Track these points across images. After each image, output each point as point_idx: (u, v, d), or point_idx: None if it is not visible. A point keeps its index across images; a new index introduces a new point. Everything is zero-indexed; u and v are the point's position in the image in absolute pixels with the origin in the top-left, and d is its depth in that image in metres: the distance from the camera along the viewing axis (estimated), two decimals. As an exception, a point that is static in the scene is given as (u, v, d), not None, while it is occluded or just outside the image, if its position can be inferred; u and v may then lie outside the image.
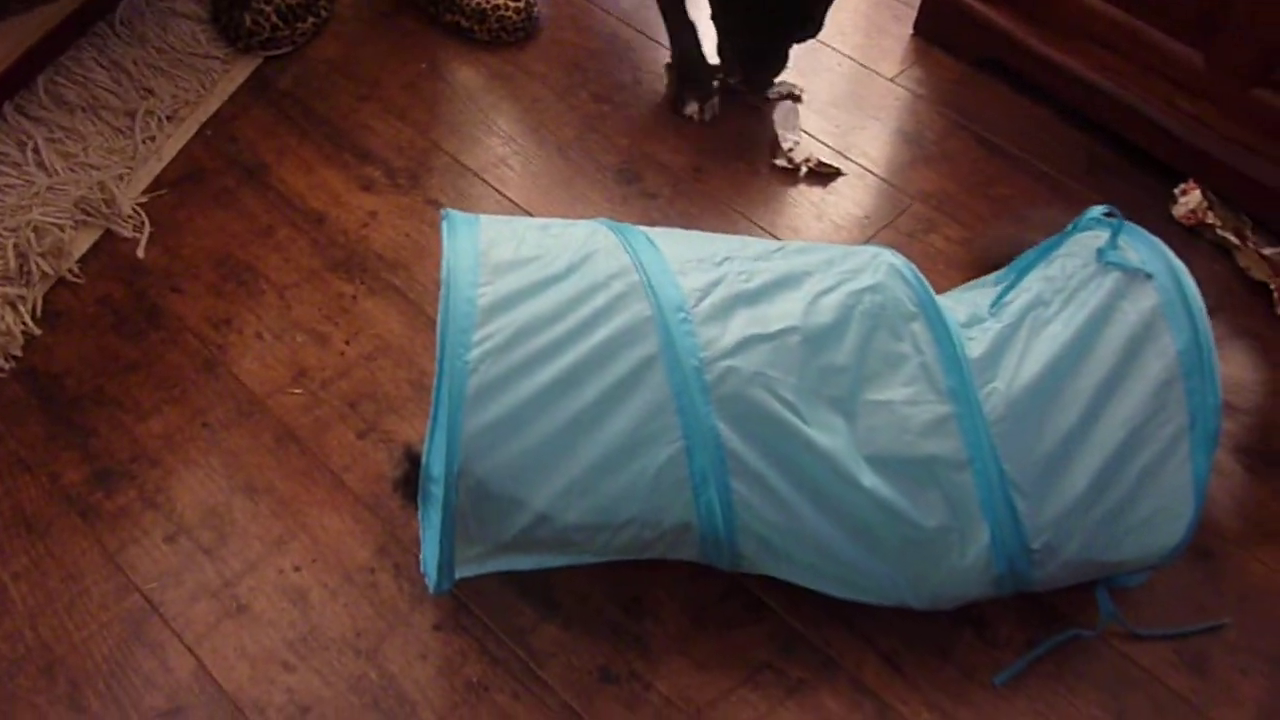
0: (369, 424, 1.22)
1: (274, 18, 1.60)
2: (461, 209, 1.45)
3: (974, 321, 1.05)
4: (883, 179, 1.54)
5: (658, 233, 1.06)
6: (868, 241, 1.46)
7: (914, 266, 1.04)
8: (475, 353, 0.92)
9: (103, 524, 1.13)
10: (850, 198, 1.52)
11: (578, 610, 1.09)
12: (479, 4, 1.65)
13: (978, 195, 1.53)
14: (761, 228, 1.47)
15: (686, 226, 1.45)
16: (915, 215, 1.50)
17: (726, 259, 1.02)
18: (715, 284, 0.99)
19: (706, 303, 0.97)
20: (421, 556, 1.06)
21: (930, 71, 1.70)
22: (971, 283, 1.18)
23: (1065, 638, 1.08)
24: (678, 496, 0.96)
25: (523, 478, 0.94)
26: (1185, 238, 1.48)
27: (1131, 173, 1.55)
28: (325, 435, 1.21)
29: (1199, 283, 1.03)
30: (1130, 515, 1.00)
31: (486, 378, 0.92)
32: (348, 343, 1.30)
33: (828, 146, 1.58)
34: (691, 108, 1.58)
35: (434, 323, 1.32)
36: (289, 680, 1.03)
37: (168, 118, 1.53)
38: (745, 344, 0.96)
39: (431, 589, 0.98)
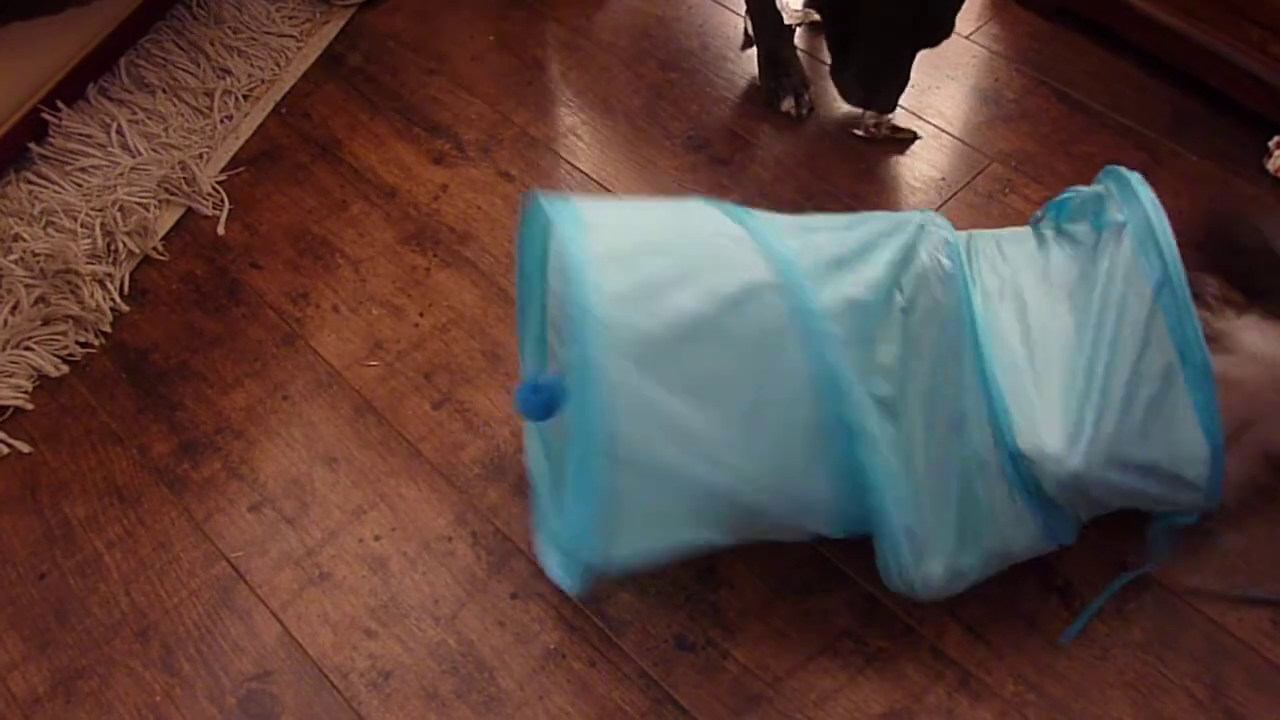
0: (444, 395, 1.24)
1: None
2: (532, 180, 1.46)
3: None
4: (959, 139, 1.50)
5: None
6: (944, 204, 1.43)
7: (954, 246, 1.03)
8: (611, 310, 0.87)
9: (190, 494, 1.16)
10: (926, 159, 1.48)
11: (653, 579, 1.09)
12: None
13: (1058, 153, 1.48)
14: (834, 192, 1.44)
15: (758, 191, 1.44)
16: (993, 176, 1.46)
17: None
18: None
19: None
20: (546, 564, 1.05)
21: (1007, 27, 1.64)
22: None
23: (1129, 578, 1.06)
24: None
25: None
26: (1234, 168, 1.43)
27: (1221, 125, 1.49)
28: (401, 406, 1.23)
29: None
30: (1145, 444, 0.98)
31: (628, 379, 0.87)
32: (421, 315, 1.31)
33: (903, 108, 1.54)
34: (788, 103, 1.53)
35: (506, 294, 1.33)
36: (371, 646, 1.05)
37: (244, 97, 1.55)
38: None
39: (573, 589, 0.99)
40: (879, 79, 1.42)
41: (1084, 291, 1.01)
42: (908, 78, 1.43)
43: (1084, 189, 1.09)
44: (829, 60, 1.55)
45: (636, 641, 1.05)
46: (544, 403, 0.97)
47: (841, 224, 1.05)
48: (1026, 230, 1.12)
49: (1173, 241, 0.97)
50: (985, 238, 1.09)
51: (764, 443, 0.93)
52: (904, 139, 1.50)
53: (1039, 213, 1.15)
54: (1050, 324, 1.01)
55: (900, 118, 1.52)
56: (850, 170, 1.47)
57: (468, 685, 1.02)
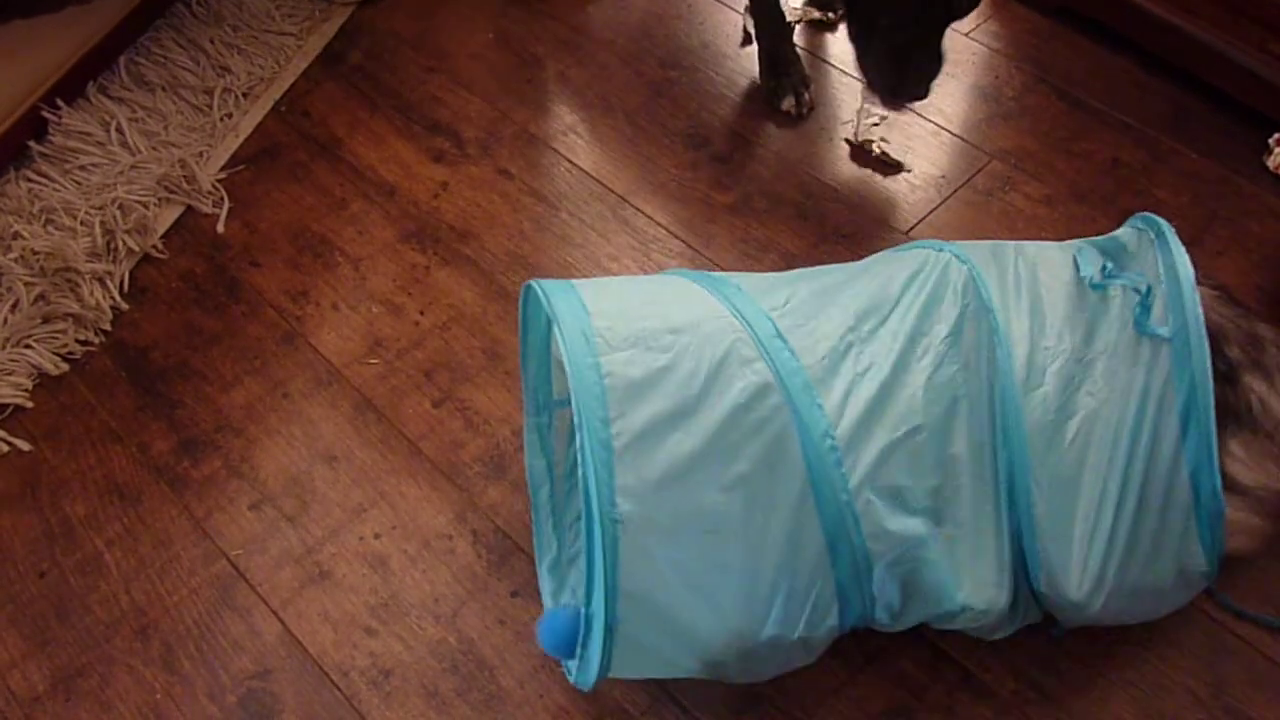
0: (444, 393, 1.24)
1: None
2: (531, 178, 1.46)
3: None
4: (959, 137, 1.50)
5: (773, 299, 0.98)
6: (944, 202, 1.43)
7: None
8: (624, 506, 0.84)
9: (190, 492, 1.16)
10: (926, 157, 1.48)
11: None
12: None
13: (1058, 152, 1.48)
14: (834, 189, 1.44)
15: (758, 190, 1.44)
16: (993, 174, 1.46)
17: (850, 345, 0.95)
18: (849, 393, 0.92)
19: (845, 421, 0.91)
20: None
21: (1007, 24, 1.64)
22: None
23: None
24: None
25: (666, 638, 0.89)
26: (1235, 166, 1.43)
27: (1221, 123, 1.49)
28: (401, 404, 1.23)
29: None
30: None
31: (638, 537, 0.85)
32: (422, 313, 1.31)
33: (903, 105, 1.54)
34: (788, 102, 1.52)
35: (506, 292, 1.33)
36: (371, 645, 1.05)
37: (244, 95, 1.55)
38: (883, 459, 0.91)
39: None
40: (909, 60, 1.31)
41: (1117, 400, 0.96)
42: (939, 57, 1.33)
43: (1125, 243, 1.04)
44: (830, 59, 1.55)
45: (637, 640, 1.05)
46: (566, 638, 0.93)
47: (883, 307, 0.99)
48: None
49: (1209, 368, 0.93)
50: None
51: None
52: (891, 164, 1.47)
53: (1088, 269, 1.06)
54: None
55: (899, 114, 1.52)
56: (850, 169, 1.47)
57: (468, 684, 1.02)
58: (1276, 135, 1.44)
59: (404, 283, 1.34)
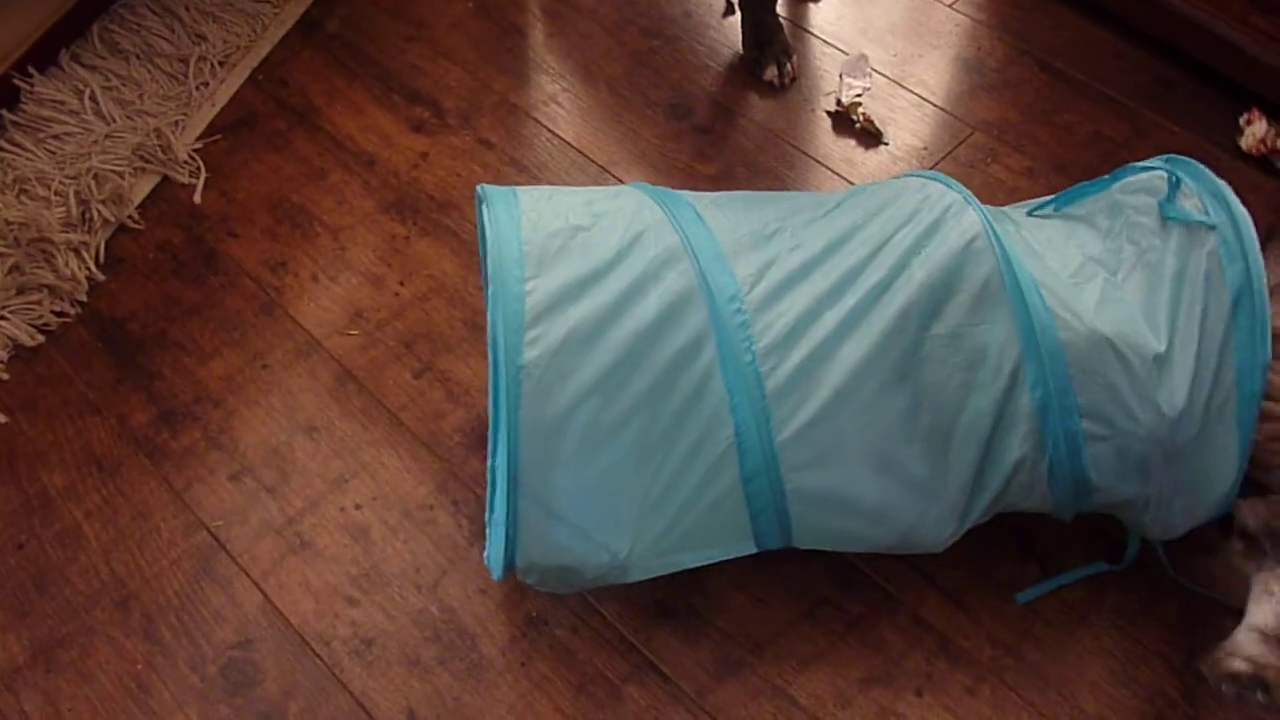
0: (424, 363, 1.23)
1: None
2: (512, 148, 1.45)
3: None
4: (942, 108, 1.50)
5: (704, 202, 1.02)
6: (926, 173, 1.43)
7: (971, 198, 1.01)
8: (529, 355, 0.89)
9: (169, 463, 1.15)
10: (908, 128, 1.48)
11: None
12: None
13: (1041, 123, 1.48)
14: (817, 160, 1.44)
15: (740, 160, 1.43)
16: (975, 145, 1.46)
17: (777, 230, 0.99)
18: (768, 266, 0.95)
19: (761, 287, 0.94)
20: (486, 552, 1.04)
21: (991, -4, 1.64)
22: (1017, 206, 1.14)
23: (1095, 570, 1.07)
24: (734, 516, 0.95)
25: (580, 505, 0.92)
26: (1254, 167, 1.43)
27: (1202, 95, 1.49)
28: (382, 375, 1.22)
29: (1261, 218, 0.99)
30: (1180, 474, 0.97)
31: (541, 386, 0.89)
32: (402, 283, 1.30)
33: (885, 76, 1.53)
34: (771, 72, 1.51)
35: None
36: (353, 614, 1.05)
37: (220, 63, 1.53)
38: (798, 327, 0.93)
39: (495, 577, 0.98)
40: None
41: (1150, 282, 0.98)
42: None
43: (1139, 172, 1.06)
44: (813, 29, 1.54)
45: (618, 609, 1.05)
46: None
47: (822, 209, 1.02)
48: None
49: (1260, 258, 0.94)
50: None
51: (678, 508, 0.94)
52: (873, 133, 1.47)
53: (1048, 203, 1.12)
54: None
55: (882, 86, 1.52)
56: (832, 140, 1.47)
57: (450, 652, 1.03)
58: (1246, 115, 1.44)
59: (384, 253, 1.34)
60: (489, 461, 0.99)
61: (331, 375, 1.22)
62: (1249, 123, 1.44)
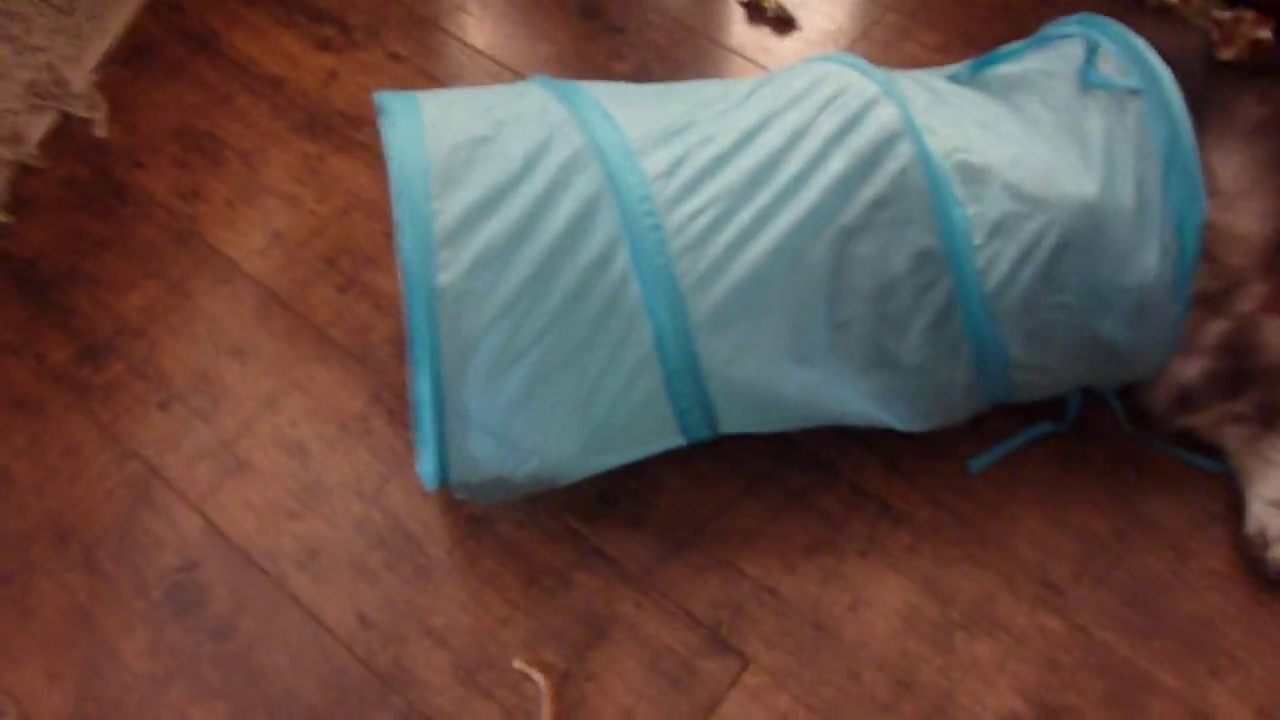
0: (348, 278, 1.21)
1: None
2: (423, 60, 1.42)
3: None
4: (853, -9, 1.49)
5: (610, 96, 0.99)
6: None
7: (887, 79, 0.99)
8: (443, 278, 0.87)
9: (95, 398, 1.13)
10: (821, 10, 1.47)
11: (574, 439, 1.09)
12: None
13: (951, 0, 1.48)
14: (732, 51, 1.43)
15: (655, 55, 1.41)
16: (889, 25, 1.46)
17: (688, 124, 0.96)
18: (679, 162, 0.93)
19: (673, 185, 0.92)
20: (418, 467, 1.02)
21: (896, -125, 1.62)
22: (929, 72, 1.13)
23: (1040, 432, 1.09)
24: (659, 414, 0.95)
25: (504, 418, 0.91)
26: (1125, 2, 1.45)
27: (1110, -40, 1.50)
28: (306, 293, 1.20)
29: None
30: (1107, 347, 0.99)
31: (457, 307, 0.88)
32: (319, 201, 1.28)
33: (794, -38, 1.52)
34: None
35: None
36: (296, 528, 1.05)
37: (110, -7, 1.47)
38: (713, 225, 0.92)
39: (429, 488, 0.97)
40: None
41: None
42: None
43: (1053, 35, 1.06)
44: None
45: (561, 501, 1.06)
46: None
47: (735, 97, 1.00)
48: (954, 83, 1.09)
49: (1186, 116, 0.94)
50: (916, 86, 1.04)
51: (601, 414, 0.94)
52: (785, 20, 1.46)
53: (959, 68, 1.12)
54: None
55: (793, -28, 1.50)
56: (747, 30, 1.45)
57: (397, 557, 1.03)
58: None
59: (298, 173, 1.31)
60: (412, 388, 0.97)
61: (254, 297, 1.20)
62: None
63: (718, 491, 1.07)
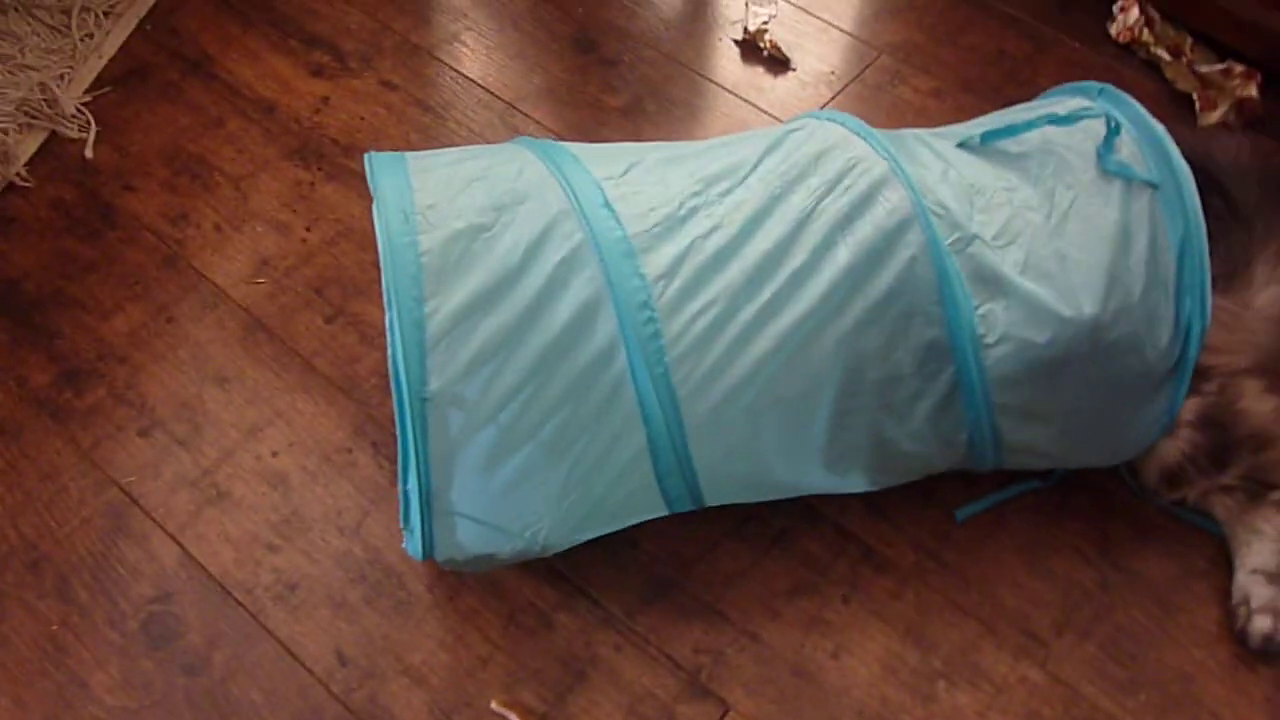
0: (336, 308, 1.21)
1: None
2: (416, 89, 1.42)
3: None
4: (848, 33, 1.50)
5: (610, 171, 0.95)
6: (834, 98, 1.43)
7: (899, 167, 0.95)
8: (434, 385, 0.85)
9: (75, 423, 1.12)
10: (816, 54, 1.48)
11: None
12: None
13: (945, 44, 1.49)
14: (725, 89, 1.43)
15: (648, 92, 1.42)
16: (882, 68, 1.47)
17: (693, 209, 0.92)
18: (681, 259, 0.90)
19: (674, 286, 0.89)
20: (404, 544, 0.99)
21: (892, -81, 1.64)
22: (937, 133, 1.12)
23: (1027, 487, 1.08)
24: (649, 498, 0.95)
25: (494, 510, 0.90)
26: (1117, 54, 1.48)
27: (1101, 11, 1.52)
28: (293, 322, 1.19)
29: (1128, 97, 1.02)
30: (1096, 437, 1.00)
31: (448, 412, 0.86)
32: (309, 229, 1.27)
33: (791, 3, 1.53)
34: None
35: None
36: (275, 561, 1.03)
37: (105, 13, 1.47)
38: (713, 327, 0.89)
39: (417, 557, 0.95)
40: None
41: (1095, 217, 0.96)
42: None
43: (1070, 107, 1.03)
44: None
45: (545, 538, 1.05)
46: None
47: (743, 167, 0.97)
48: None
49: (1201, 215, 0.94)
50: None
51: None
52: (780, 60, 1.47)
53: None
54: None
55: (787, 13, 1.51)
56: (740, 69, 1.46)
57: (376, 591, 1.02)
58: (1120, 2, 1.48)
59: (289, 200, 1.30)
60: (398, 476, 0.93)
61: (240, 325, 1.19)
62: (1123, 10, 1.47)
63: (703, 533, 1.06)
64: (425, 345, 0.85)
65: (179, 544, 1.04)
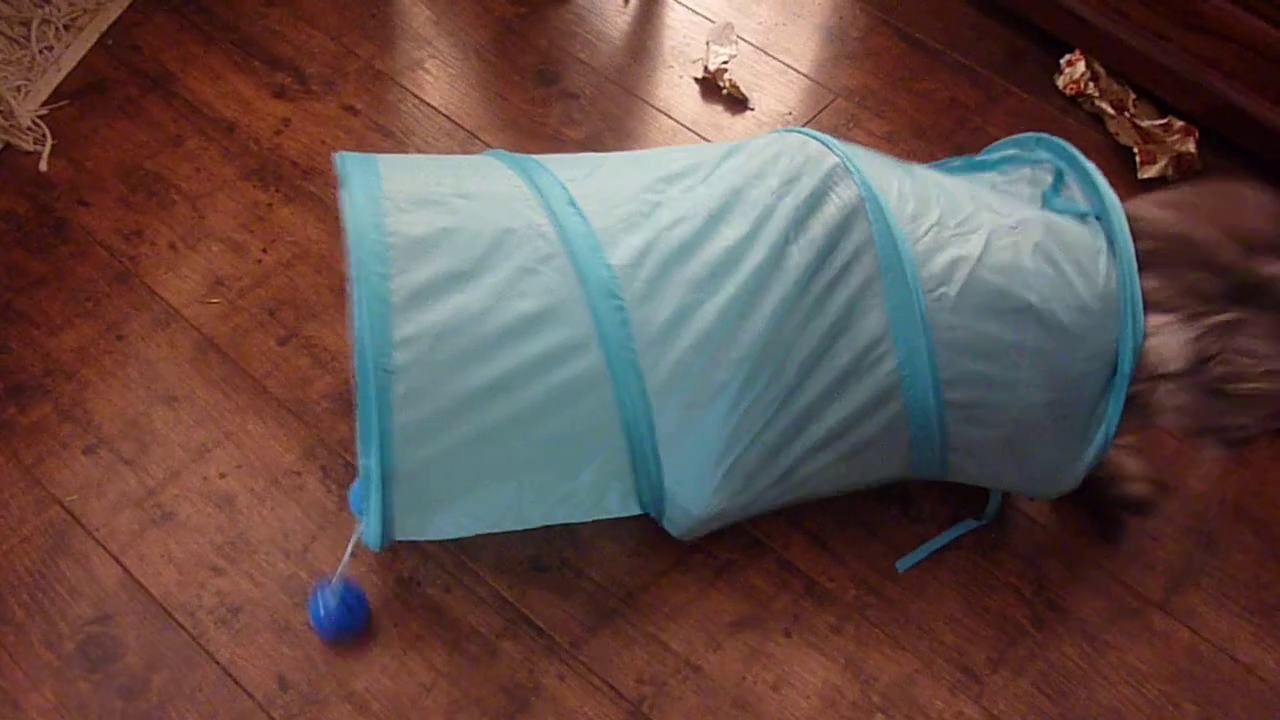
0: (290, 330, 1.21)
1: None
2: (378, 114, 1.43)
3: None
4: (806, 75, 1.54)
5: (579, 173, 0.99)
6: (790, 137, 1.46)
7: (850, 155, 1.00)
8: (398, 357, 0.87)
9: (18, 438, 1.11)
10: (774, 94, 1.51)
11: (508, 504, 1.09)
12: None
13: (900, 90, 1.53)
14: (684, 126, 1.46)
15: (608, 126, 1.44)
16: (838, 110, 1.50)
17: (656, 205, 0.96)
18: (646, 252, 0.93)
19: (640, 281, 0.92)
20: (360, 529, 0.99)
21: (851, -34, 1.68)
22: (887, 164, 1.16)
23: (965, 529, 1.11)
24: (625, 500, 0.98)
25: (455, 496, 0.92)
26: (1064, 105, 1.53)
27: (1050, 65, 1.56)
28: (245, 343, 1.19)
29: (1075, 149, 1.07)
30: (1039, 450, 1.02)
31: (411, 390, 0.87)
32: (265, 250, 1.27)
33: (751, 44, 1.56)
34: None
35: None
36: (219, 584, 1.03)
37: (65, 27, 1.46)
38: (677, 318, 0.93)
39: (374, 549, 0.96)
40: None
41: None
42: None
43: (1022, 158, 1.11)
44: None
45: (491, 565, 1.05)
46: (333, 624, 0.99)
47: (701, 169, 1.01)
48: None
49: (1130, 242, 0.99)
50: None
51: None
52: (739, 99, 1.50)
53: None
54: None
55: (747, 54, 1.55)
56: (700, 106, 1.49)
57: (320, 617, 1.01)
58: (1068, 56, 1.53)
59: (245, 220, 1.30)
60: (358, 454, 0.94)
61: (192, 344, 1.19)
62: (1070, 64, 1.52)
63: (649, 563, 1.07)
64: (389, 318, 0.86)
65: (121, 564, 1.03)
